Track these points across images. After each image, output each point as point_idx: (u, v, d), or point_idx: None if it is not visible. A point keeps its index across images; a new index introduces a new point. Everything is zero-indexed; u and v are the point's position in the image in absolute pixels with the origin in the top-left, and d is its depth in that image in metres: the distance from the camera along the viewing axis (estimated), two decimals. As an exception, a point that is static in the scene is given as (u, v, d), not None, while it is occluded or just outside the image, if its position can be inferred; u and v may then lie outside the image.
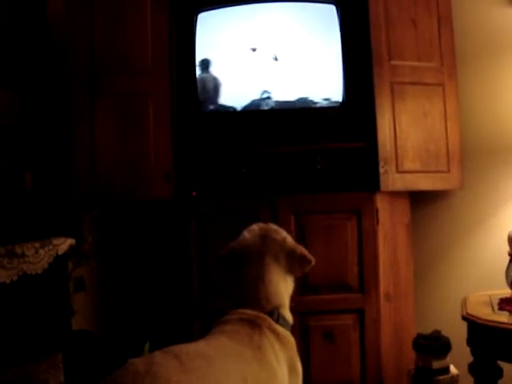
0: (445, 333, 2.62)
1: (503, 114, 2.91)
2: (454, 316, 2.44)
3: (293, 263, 1.84)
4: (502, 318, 2.25)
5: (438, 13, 2.82)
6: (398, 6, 2.78)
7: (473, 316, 2.29)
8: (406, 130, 2.76)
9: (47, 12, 2.89)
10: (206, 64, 2.82)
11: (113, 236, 3.18)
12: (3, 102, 2.60)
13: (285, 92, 2.79)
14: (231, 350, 1.57)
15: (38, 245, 2.29)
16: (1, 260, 2.13)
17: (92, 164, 2.72)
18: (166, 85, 2.78)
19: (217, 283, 2.63)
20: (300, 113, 2.79)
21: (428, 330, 2.66)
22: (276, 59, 2.74)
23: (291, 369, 1.69)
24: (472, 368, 2.32)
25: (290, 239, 1.89)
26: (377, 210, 2.68)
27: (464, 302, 2.47)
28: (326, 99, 2.78)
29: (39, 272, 2.28)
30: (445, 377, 2.54)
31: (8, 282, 2.16)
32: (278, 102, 2.79)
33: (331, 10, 2.74)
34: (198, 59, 2.80)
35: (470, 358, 2.33)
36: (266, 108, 2.79)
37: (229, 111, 2.82)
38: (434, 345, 2.56)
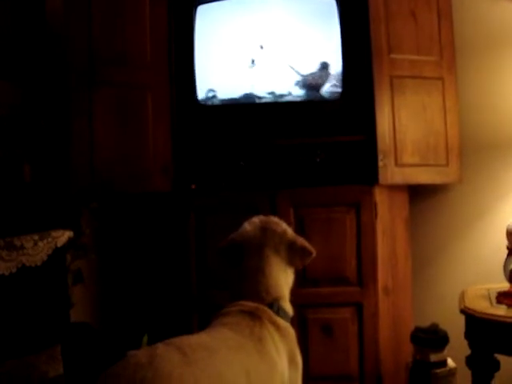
0: (443, 326, 2.63)
1: (502, 108, 2.91)
2: (452, 309, 2.45)
3: (293, 255, 1.85)
4: (500, 311, 2.26)
5: (438, 6, 2.81)
6: (398, 0, 2.77)
7: (471, 309, 2.30)
8: (405, 123, 2.75)
9: (46, 3, 2.88)
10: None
11: (111, 228, 3.18)
12: (1, 93, 2.58)
13: (284, 85, 2.78)
14: (233, 341, 1.58)
15: (36, 237, 2.29)
16: (0, 252, 2.13)
17: (90, 156, 2.71)
18: (165, 77, 2.77)
19: (216, 276, 2.64)
20: (299, 106, 2.79)
21: (426, 324, 2.67)
22: (261, 47, 2.73)
23: (291, 361, 1.69)
24: (469, 361, 2.33)
25: (290, 231, 1.89)
26: (375, 204, 2.68)
27: (462, 296, 2.48)
28: (325, 92, 2.78)
29: (38, 264, 2.28)
30: (442, 370, 2.55)
31: (7, 274, 2.16)
32: (276, 95, 2.78)
33: (331, 2, 2.73)
34: (196, 52, 2.80)
35: (468, 351, 2.33)
36: (265, 101, 2.79)
37: (228, 104, 2.82)
38: (431, 338, 2.56)
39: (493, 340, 2.24)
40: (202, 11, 2.79)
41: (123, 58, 2.76)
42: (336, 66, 2.75)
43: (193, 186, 2.79)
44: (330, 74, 2.77)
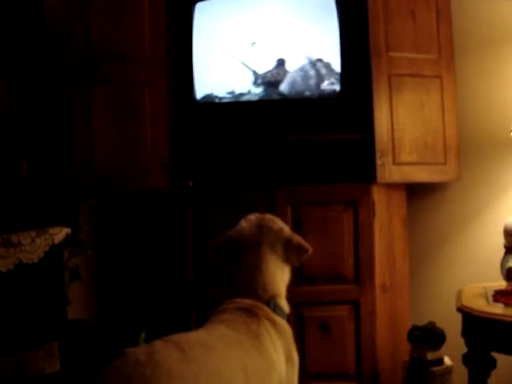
0: (440, 324, 2.64)
1: (500, 106, 2.91)
2: (449, 308, 2.45)
3: (289, 252, 1.85)
4: (497, 309, 2.26)
5: (437, 5, 2.81)
6: (397, -2, 2.78)
7: (467, 308, 2.30)
8: (404, 121, 2.76)
9: (44, 0, 2.87)
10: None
11: (109, 225, 3.18)
12: (0, 89, 2.58)
13: (282, 83, 2.78)
14: (231, 338, 1.58)
15: (34, 234, 2.29)
16: (-3, 249, 2.13)
17: (88, 153, 2.71)
18: (163, 74, 2.77)
19: (214, 273, 2.64)
20: (298, 104, 2.79)
21: (423, 322, 2.68)
22: (253, 44, 2.73)
23: (288, 358, 1.69)
24: (466, 359, 2.33)
25: (286, 229, 1.89)
26: (373, 202, 2.69)
27: (459, 294, 2.49)
28: (323, 90, 2.78)
29: (35, 261, 2.28)
30: (439, 368, 2.56)
31: (4, 270, 2.16)
32: (275, 93, 2.78)
33: (330, 0, 2.73)
34: (195, 49, 2.79)
35: (464, 350, 2.34)
36: (263, 98, 2.79)
37: (226, 101, 2.82)
38: (428, 336, 2.58)
39: (489, 338, 2.25)
40: (200, 8, 2.79)
41: (121, 55, 2.76)
42: (335, 64, 2.74)
43: (191, 184, 2.79)
44: (286, 70, 2.76)
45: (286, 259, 1.85)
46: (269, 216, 1.92)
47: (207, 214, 2.72)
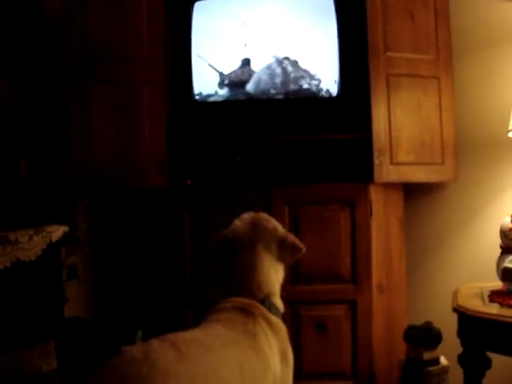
0: (436, 324, 2.65)
1: (498, 107, 2.91)
2: (446, 308, 2.45)
3: (284, 251, 1.85)
4: (492, 309, 2.26)
5: (435, 6, 2.82)
6: (396, -1, 2.78)
7: (463, 308, 2.31)
8: (401, 121, 2.76)
9: (43, -1, 2.88)
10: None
11: (106, 224, 3.18)
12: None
13: (280, 82, 2.78)
14: (227, 338, 1.58)
15: (31, 232, 2.29)
16: (-6, 246, 2.13)
17: (86, 152, 2.72)
18: (161, 73, 2.77)
19: (210, 272, 2.64)
20: (295, 103, 2.79)
21: (419, 322, 2.68)
22: (245, 45, 2.74)
23: (283, 357, 1.69)
24: (461, 359, 2.33)
25: (280, 228, 1.89)
26: (370, 202, 2.69)
27: (455, 294, 2.49)
28: (321, 90, 2.78)
29: (32, 259, 2.28)
30: (435, 368, 2.57)
31: (1, 268, 2.16)
32: (273, 92, 2.79)
33: (328, 0, 2.73)
34: (193, 48, 2.79)
35: (460, 350, 2.34)
36: (261, 98, 2.79)
37: (224, 100, 2.82)
38: (425, 336, 2.58)
39: (485, 338, 2.25)
40: (198, 7, 2.79)
41: (120, 54, 2.77)
42: (333, 64, 2.75)
43: (188, 182, 2.79)
44: (252, 70, 2.77)
45: (281, 258, 1.85)
46: (263, 215, 1.92)
47: (204, 213, 2.73)
